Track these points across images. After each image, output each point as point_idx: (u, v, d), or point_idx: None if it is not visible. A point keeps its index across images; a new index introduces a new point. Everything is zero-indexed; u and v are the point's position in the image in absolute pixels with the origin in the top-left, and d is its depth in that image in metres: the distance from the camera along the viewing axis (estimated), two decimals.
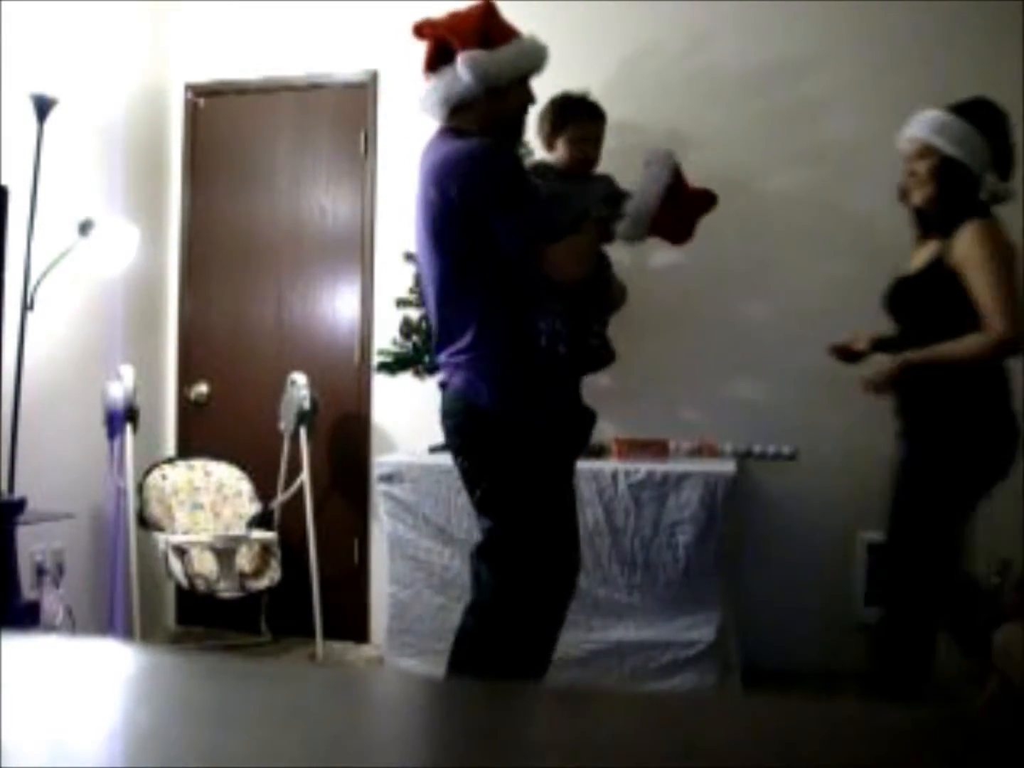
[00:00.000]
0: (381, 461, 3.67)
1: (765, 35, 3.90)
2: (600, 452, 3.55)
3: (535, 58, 2.53)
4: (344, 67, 4.31)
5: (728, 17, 3.91)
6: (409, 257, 3.80)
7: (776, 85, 3.91)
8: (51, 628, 3.38)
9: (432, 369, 3.62)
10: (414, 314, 3.79)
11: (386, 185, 4.26)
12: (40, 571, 3.63)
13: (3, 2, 3.41)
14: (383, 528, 3.70)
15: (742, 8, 3.89)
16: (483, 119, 2.47)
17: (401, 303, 3.82)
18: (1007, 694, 2.83)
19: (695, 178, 2.93)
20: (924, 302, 2.72)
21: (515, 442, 2.44)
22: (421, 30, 2.49)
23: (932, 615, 2.71)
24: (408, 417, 4.05)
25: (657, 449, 3.48)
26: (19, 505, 3.15)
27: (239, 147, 4.47)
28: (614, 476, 3.32)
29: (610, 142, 4.09)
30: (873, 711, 0.52)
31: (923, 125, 2.74)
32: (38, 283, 3.44)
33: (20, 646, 0.64)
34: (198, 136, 4.49)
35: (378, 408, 4.22)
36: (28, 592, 3.40)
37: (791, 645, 3.72)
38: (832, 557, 3.79)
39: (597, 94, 3.96)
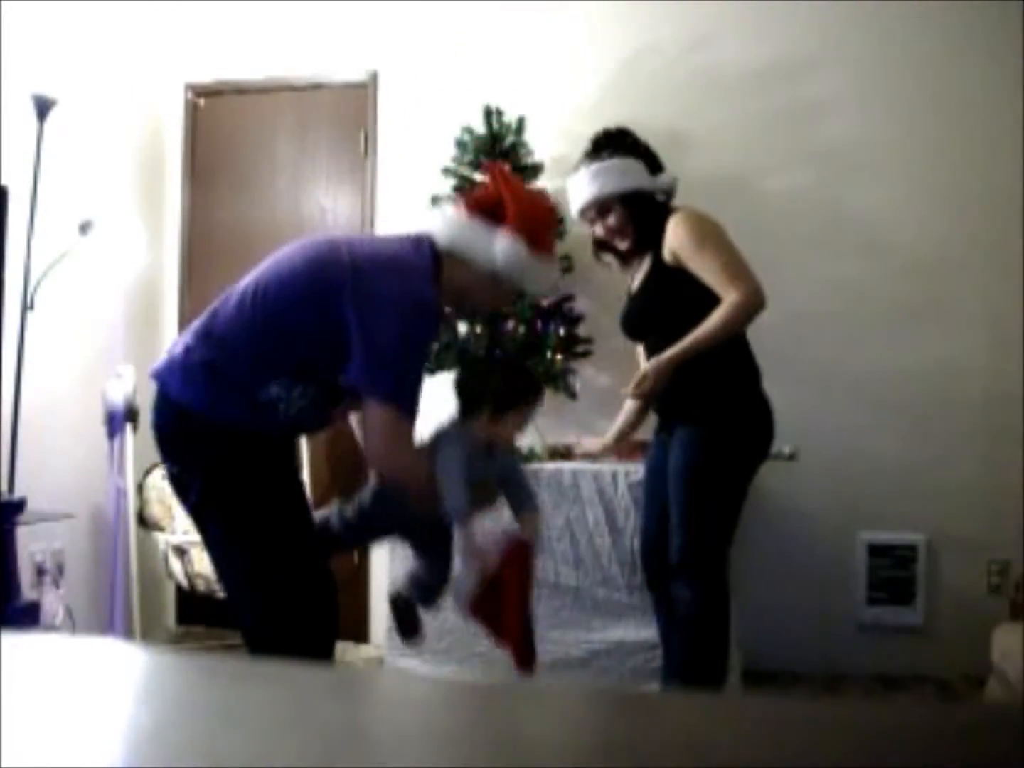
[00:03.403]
0: None
1: (765, 35, 3.90)
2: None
3: (534, 286, 2.39)
4: (344, 67, 4.31)
5: (728, 17, 3.91)
6: None
7: (776, 85, 3.91)
8: (51, 628, 3.38)
9: (433, 369, 3.62)
10: None
11: (386, 185, 4.26)
12: (40, 571, 3.63)
13: (3, 2, 3.41)
14: None
15: (742, 8, 3.89)
16: (464, 285, 2.25)
17: None
18: (1007, 694, 2.83)
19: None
20: (661, 311, 2.78)
21: (218, 444, 2.18)
22: (495, 174, 2.31)
23: (725, 599, 2.74)
24: None
25: None
26: (19, 505, 3.15)
27: (239, 147, 4.47)
28: (614, 476, 3.32)
29: None
30: (873, 711, 0.52)
31: (585, 189, 2.79)
32: (38, 283, 3.44)
33: (20, 646, 0.64)
34: (198, 136, 4.49)
35: None
36: (28, 592, 3.40)
37: (791, 645, 3.72)
38: (832, 557, 3.79)
39: (597, 94, 3.98)
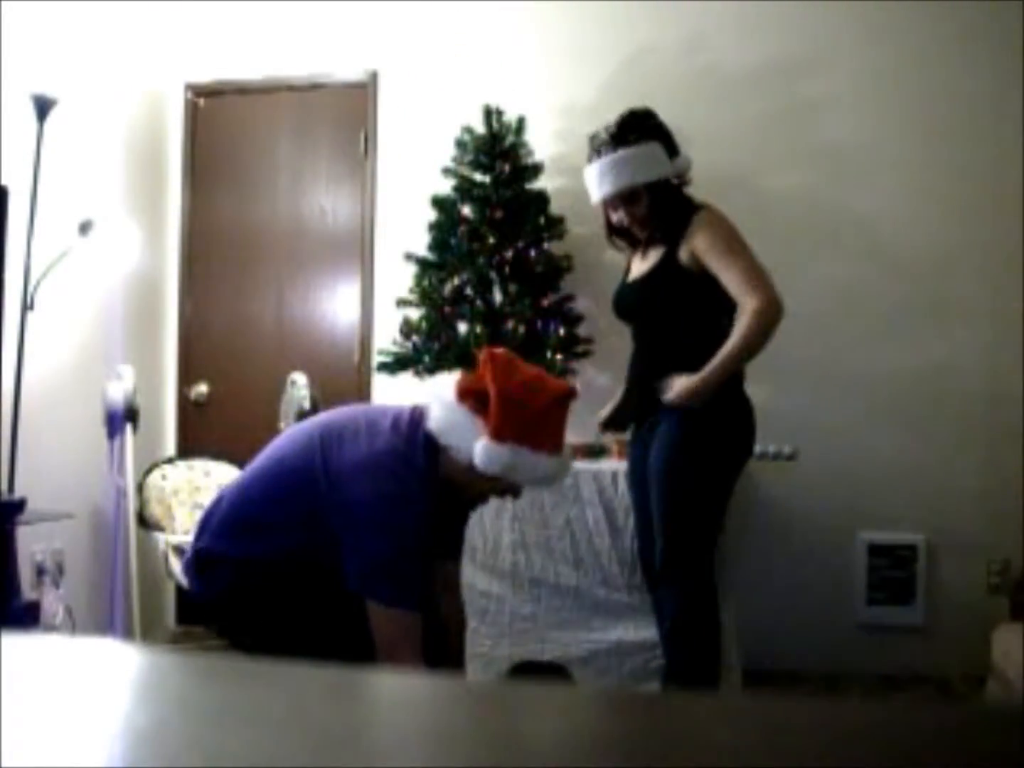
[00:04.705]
0: None
1: (765, 35, 3.90)
2: (600, 452, 3.55)
3: (532, 482, 2.28)
4: (344, 67, 4.31)
5: (728, 17, 3.91)
6: (409, 257, 3.80)
7: (776, 85, 3.91)
8: (51, 628, 3.38)
9: (433, 369, 3.62)
10: (414, 314, 3.80)
11: (386, 185, 4.26)
12: (40, 571, 3.63)
13: (3, 2, 3.41)
14: None
15: (742, 8, 3.90)
16: (454, 475, 2.17)
17: (401, 303, 3.82)
18: (1007, 694, 2.83)
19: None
20: (661, 305, 2.76)
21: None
22: (486, 362, 2.14)
23: (712, 601, 2.73)
24: None
25: None
26: (19, 505, 3.14)
27: (239, 147, 4.47)
28: (614, 476, 3.32)
29: None
30: (873, 711, 0.52)
31: (614, 177, 2.73)
32: (38, 283, 3.44)
33: (20, 646, 0.64)
34: (198, 136, 4.49)
35: None
36: (28, 592, 3.40)
37: (791, 645, 3.72)
38: (832, 557, 3.79)
39: (597, 94, 3.97)
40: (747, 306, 2.60)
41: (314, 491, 2.11)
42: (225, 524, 2.22)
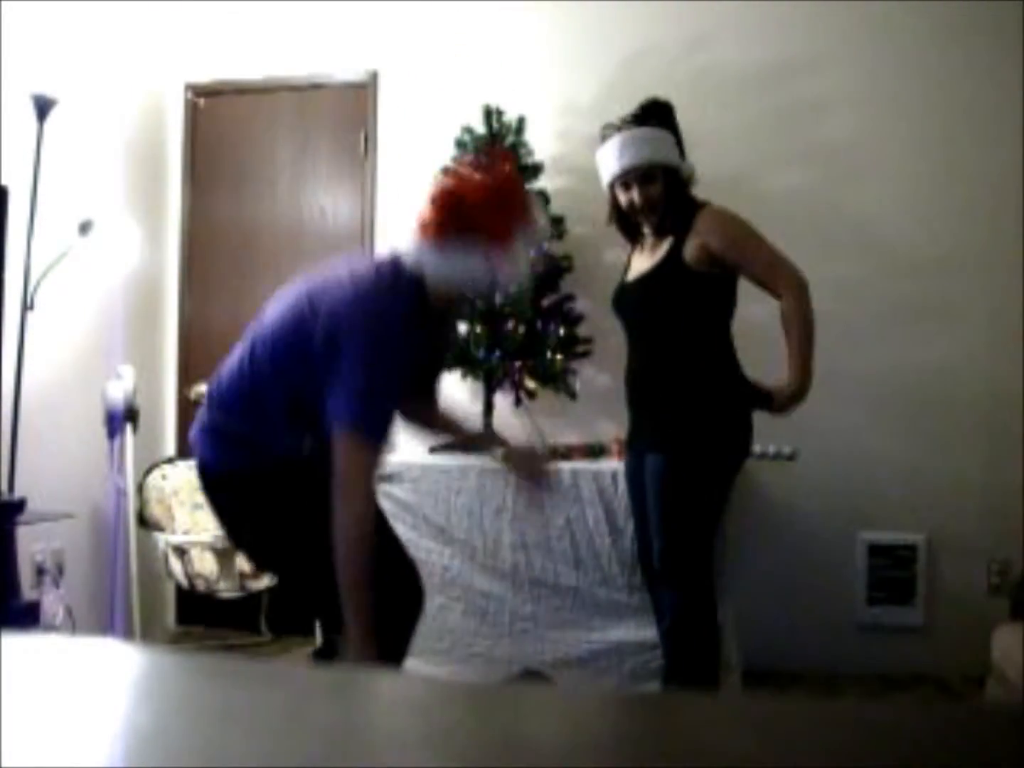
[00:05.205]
0: None
1: (765, 35, 3.90)
2: (600, 452, 3.55)
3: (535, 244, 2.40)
4: (344, 67, 4.31)
5: (728, 17, 3.91)
6: None
7: (776, 85, 3.91)
8: (51, 628, 3.38)
9: None
10: None
11: (386, 185, 4.26)
12: (40, 571, 3.63)
13: (3, 2, 3.41)
14: None
15: (742, 8, 3.89)
16: (459, 296, 2.38)
17: None
18: (1007, 694, 2.83)
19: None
20: (661, 304, 2.75)
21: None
22: (443, 197, 2.21)
23: (710, 602, 2.73)
24: None
25: None
26: (19, 505, 3.14)
27: (239, 147, 4.47)
28: (614, 476, 3.32)
29: None
30: (873, 711, 0.52)
31: (637, 150, 2.72)
32: (38, 283, 3.44)
33: (20, 646, 0.64)
34: (198, 136, 4.49)
35: None
36: (28, 592, 3.40)
37: (791, 645, 3.72)
38: (832, 557, 3.79)
39: (597, 94, 3.98)
40: (784, 292, 2.66)
41: (309, 346, 2.17)
42: (228, 396, 2.28)
